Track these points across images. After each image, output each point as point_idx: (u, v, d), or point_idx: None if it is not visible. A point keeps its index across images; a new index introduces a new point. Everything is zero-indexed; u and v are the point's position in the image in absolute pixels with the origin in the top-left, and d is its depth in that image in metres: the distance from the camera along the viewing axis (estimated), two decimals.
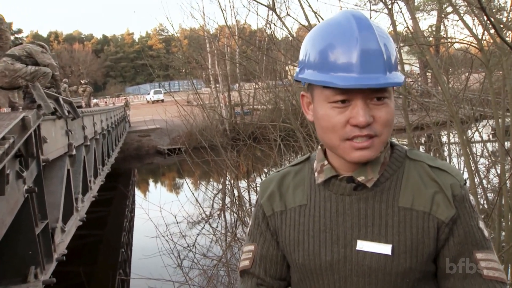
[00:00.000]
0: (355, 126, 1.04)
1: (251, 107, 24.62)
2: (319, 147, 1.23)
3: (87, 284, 8.66)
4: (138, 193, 19.30)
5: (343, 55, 1.03)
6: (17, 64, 6.27)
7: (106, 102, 38.40)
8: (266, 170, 8.84)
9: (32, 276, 4.60)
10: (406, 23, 6.46)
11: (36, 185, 4.83)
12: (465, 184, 1.14)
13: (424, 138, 9.29)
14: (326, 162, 1.19)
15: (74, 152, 7.02)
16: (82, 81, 21.49)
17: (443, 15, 7.40)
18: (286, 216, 1.23)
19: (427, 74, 11.36)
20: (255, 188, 8.62)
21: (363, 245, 1.10)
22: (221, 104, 26.08)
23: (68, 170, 6.73)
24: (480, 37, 4.43)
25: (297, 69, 1.18)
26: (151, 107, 36.13)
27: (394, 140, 1.27)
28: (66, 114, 6.74)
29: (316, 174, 1.21)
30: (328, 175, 1.17)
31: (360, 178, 1.12)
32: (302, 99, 1.20)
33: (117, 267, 9.69)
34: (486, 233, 1.12)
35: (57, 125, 6.42)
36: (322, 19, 5.16)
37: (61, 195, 6.20)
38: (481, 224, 1.12)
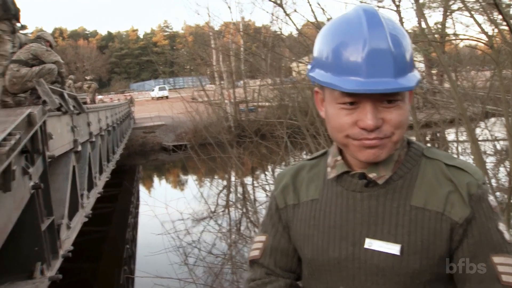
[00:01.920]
0: (363, 129, 1.01)
1: (256, 104, 24.63)
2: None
3: (93, 280, 8.67)
4: (143, 189, 19.33)
5: (351, 56, 1.00)
6: (23, 69, 6.36)
7: (111, 99, 38.45)
8: (272, 167, 8.83)
9: (38, 272, 4.58)
10: (417, 19, 6.41)
11: (42, 181, 4.81)
12: (484, 183, 1.09)
13: (429, 136, 9.25)
14: (339, 158, 1.16)
15: (79, 148, 7.00)
16: (87, 78, 21.48)
17: (448, 12, 7.35)
18: (298, 209, 1.22)
19: (432, 71, 11.31)
20: (261, 185, 8.61)
21: (371, 244, 1.08)
22: (226, 101, 26.10)
23: (74, 167, 6.71)
24: (490, 33, 4.39)
25: (309, 66, 1.16)
26: (155, 104, 36.23)
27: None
28: (72, 109, 6.72)
29: (329, 169, 1.19)
30: (339, 170, 1.15)
31: (372, 175, 1.09)
32: (316, 95, 1.18)
33: (122, 264, 9.68)
34: (507, 236, 1.07)
35: (63, 121, 6.40)
36: (330, 16, 5.14)
37: (67, 191, 6.18)
38: (502, 226, 1.07)
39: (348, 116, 1.03)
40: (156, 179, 22.31)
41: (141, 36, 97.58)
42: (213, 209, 9.14)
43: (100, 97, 31.36)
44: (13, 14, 6.77)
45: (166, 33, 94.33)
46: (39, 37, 6.92)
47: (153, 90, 54.21)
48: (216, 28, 18.38)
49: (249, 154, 9.60)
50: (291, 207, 1.23)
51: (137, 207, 15.09)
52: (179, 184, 19.10)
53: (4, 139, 3.54)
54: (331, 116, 1.07)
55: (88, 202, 7.67)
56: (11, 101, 6.33)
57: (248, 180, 9.74)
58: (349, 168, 1.14)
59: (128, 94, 47.08)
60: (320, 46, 1.09)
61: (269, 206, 1.30)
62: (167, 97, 47.43)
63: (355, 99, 1.01)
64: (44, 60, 6.52)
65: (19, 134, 3.78)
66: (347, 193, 1.13)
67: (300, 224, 1.20)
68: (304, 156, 7.66)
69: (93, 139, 8.78)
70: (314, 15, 5.26)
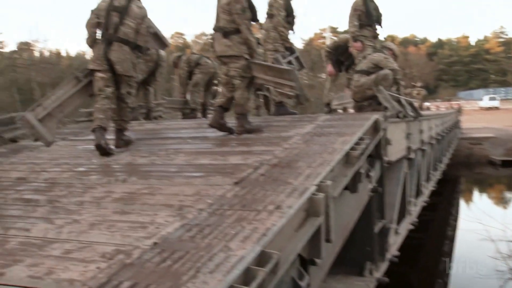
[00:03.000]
0: None
1: None
2: None
3: None
4: (463, 202, 18.38)
5: None
6: (363, 78, 6.72)
7: (437, 106, 37.75)
8: None
9: (367, 271, 4.78)
10: None
11: (378, 185, 5.00)
12: None
13: None
14: None
15: (412, 155, 7.05)
16: (417, 84, 21.61)
17: None
18: None
19: None
20: None
21: None
22: None
23: (405, 173, 6.80)
24: None
25: None
26: (484, 114, 34.00)
27: None
28: (410, 114, 6.78)
29: None
30: None
31: None
32: None
33: (436, 276, 9.37)
34: None
35: (399, 127, 6.52)
36: None
37: (397, 197, 6.30)
38: None
39: None
40: (477, 193, 20.93)
41: (473, 43, 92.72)
42: None
43: (427, 104, 31.12)
44: (375, 20, 7.25)
45: (501, 40, 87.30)
46: (384, 47, 7.23)
47: (482, 100, 51.38)
48: None
49: None
50: None
51: (456, 219, 14.46)
52: (502, 202, 17.54)
53: (356, 143, 3.80)
54: None
55: (414, 209, 7.67)
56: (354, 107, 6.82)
57: None
58: None
59: (455, 102, 45.47)
60: None
61: None
62: (497, 107, 44.29)
63: None
64: (382, 66, 6.76)
65: (368, 139, 3.99)
66: None
67: None
68: None
69: (424, 147, 8.73)
70: None
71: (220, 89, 6.64)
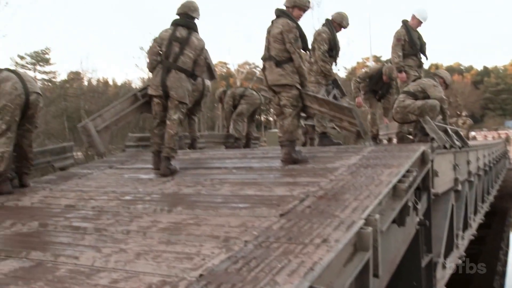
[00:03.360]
0: None
1: None
2: None
3: None
4: None
5: None
6: (408, 100, 6.59)
7: (485, 136, 36.78)
8: None
9: None
10: None
11: (425, 218, 4.88)
12: None
13: None
14: None
15: (459, 187, 6.87)
16: (463, 113, 21.14)
17: None
18: None
19: None
20: None
21: None
22: None
23: (452, 205, 6.63)
24: None
25: None
26: None
27: None
28: (457, 144, 6.61)
29: None
30: None
31: None
32: None
33: None
34: None
35: (446, 158, 6.38)
36: None
37: (444, 230, 6.15)
38: None
39: None
40: None
41: None
42: None
43: (473, 133, 30.36)
44: (419, 49, 7.17)
45: None
46: (435, 74, 7.11)
47: None
48: None
49: None
50: None
51: (506, 253, 13.92)
52: None
53: (404, 175, 3.73)
54: None
55: (462, 243, 7.44)
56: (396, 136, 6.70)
57: None
58: None
59: (503, 132, 44.17)
60: None
61: None
62: None
63: None
64: (429, 94, 6.62)
65: (416, 171, 3.92)
66: None
67: None
68: None
69: (471, 179, 8.49)
70: None
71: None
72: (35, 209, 4.23)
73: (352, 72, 39.77)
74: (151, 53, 5.64)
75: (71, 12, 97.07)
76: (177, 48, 5.43)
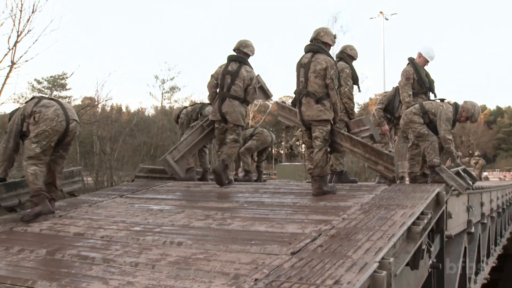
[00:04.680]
0: None
1: None
2: None
3: None
4: None
5: None
6: (415, 117, 6.28)
7: (504, 177, 36.45)
8: None
9: None
10: None
11: (438, 260, 4.79)
12: None
13: None
14: None
15: (472, 229, 6.74)
16: (475, 153, 21.02)
17: None
18: None
19: None
20: None
21: None
22: None
23: (465, 248, 6.50)
24: None
25: None
26: None
27: None
28: (470, 184, 6.45)
29: None
30: None
31: None
32: None
33: None
34: None
35: (460, 200, 6.29)
36: None
37: (457, 273, 6.01)
38: None
39: None
40: None
41: None
42: None
43: (485, 174, 30.07)
44: (428, 87, 7.06)
45: None
46: (465, 102, 6.94)
47: None
48: None
49: None
50: None
51: None
52: None
53: (418, 217, 3.66)
54: None
55: (474, 287, 7.26)
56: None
57: None
58: None
59: None
60: None
61: None
62: None
63: None
64: (437, 125, 6.43)
65: (430, 213, 3.85)
66: None
67: None
68: None
69: (485, 221, 8.36)
70: None
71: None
72: (44, 236, 4.21)
73: (365, 108, 39.67)
74: (210, 86, 6.76)
75: (90, 39, 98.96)
76: (229, 80, 6.50)
